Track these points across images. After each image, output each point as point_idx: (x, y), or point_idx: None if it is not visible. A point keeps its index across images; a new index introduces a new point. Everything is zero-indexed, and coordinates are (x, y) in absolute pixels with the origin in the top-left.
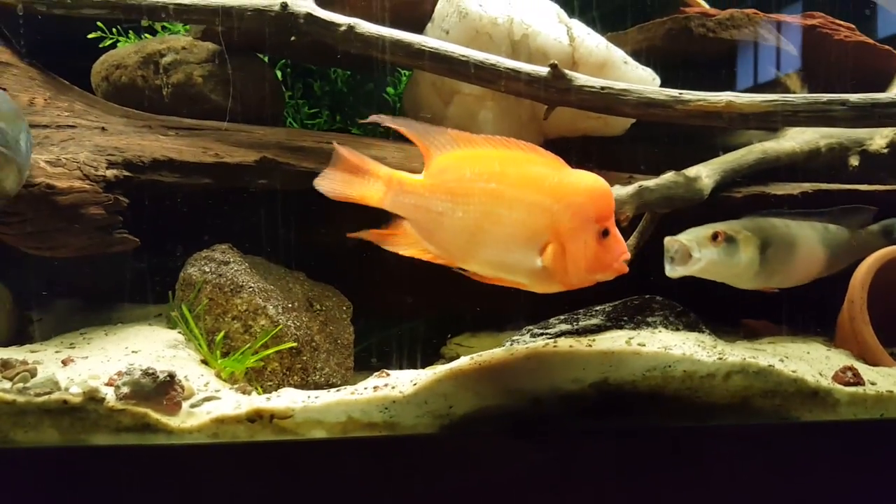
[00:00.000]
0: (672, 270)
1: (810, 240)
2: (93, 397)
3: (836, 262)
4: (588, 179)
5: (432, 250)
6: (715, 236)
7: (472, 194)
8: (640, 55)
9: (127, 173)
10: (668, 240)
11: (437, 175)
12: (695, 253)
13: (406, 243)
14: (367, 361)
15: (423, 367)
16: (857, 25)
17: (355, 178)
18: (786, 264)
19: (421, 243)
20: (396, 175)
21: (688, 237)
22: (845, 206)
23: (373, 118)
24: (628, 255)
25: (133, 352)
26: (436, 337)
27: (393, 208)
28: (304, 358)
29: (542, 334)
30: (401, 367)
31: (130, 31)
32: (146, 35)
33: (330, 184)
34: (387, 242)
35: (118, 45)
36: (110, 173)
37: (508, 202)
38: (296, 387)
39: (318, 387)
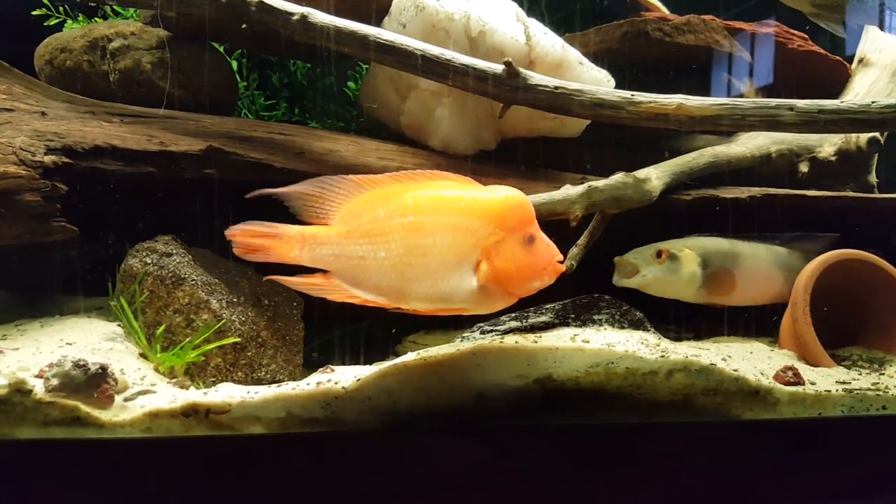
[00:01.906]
0: (619, 281)
1: (760, 261)
2: (19, 389)
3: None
4: (503, 192)
5: (363, 296)
6: (658, 254)
7: (391, 232)
8: (598, 57)
9: (66, 160)
10: (617, 259)
11: (350, 220)
12: (642, 270)
13: (335, 291)
14: (321, 360)
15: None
16: None
17: (265, 248)
18: (729, 281)
19: (349, 290)
20: (309, 231)
21: (634, 256)
22: (805, 234)
23: (262, 192)
24: (560, 257)
25: (67, 344)
26: (392, 334)
27: (312, 263)
28: (249, 354)
29: (491, 331)
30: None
31: (80, 15)
32: (97, 19)
33: (244, 254)
34: (314, 292)
35: (64, 27)
36: (48, 159)
37: (431, 231)
38: (240, 383)
39: (262, 384)
